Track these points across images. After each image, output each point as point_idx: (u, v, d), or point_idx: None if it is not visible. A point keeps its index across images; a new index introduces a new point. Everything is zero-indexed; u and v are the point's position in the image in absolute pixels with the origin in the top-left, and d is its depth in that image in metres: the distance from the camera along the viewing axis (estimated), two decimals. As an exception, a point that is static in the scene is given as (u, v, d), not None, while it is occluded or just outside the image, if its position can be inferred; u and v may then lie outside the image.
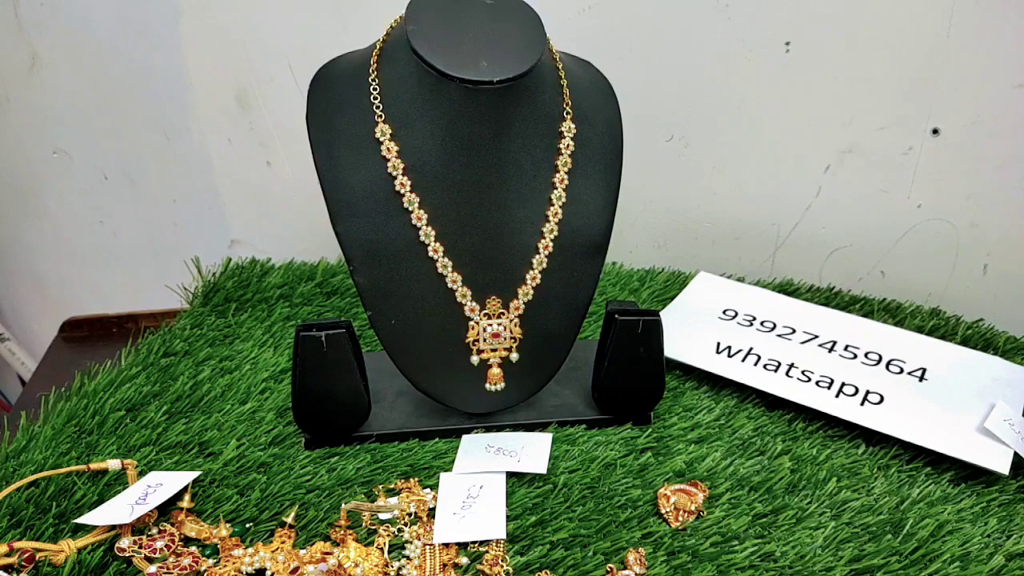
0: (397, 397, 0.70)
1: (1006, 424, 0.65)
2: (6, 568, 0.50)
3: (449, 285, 0.62)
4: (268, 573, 0.53)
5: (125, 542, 0.54)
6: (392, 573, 0.53)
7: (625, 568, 0.54)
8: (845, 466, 0.65)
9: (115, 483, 0.60)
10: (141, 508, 0.55)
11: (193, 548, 0.55)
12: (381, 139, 0.59)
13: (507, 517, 0.58)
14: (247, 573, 0.53)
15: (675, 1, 0.87)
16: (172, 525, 0.56)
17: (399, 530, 0.57)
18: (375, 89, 0.60)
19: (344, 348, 0.62)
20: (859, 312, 0.85)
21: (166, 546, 0.54)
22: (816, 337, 0.78)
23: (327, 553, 0.54)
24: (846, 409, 0.68)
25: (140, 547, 0.54)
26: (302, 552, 0.54)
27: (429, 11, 0.60)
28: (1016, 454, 0.63)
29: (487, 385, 0.64)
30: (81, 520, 0.55)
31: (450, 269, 0.61)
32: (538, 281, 0.63)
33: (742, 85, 0.90)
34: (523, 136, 0.61)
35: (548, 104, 0.62)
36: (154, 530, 0.56)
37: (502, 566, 0.54)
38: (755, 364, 0.74)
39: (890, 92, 0.87)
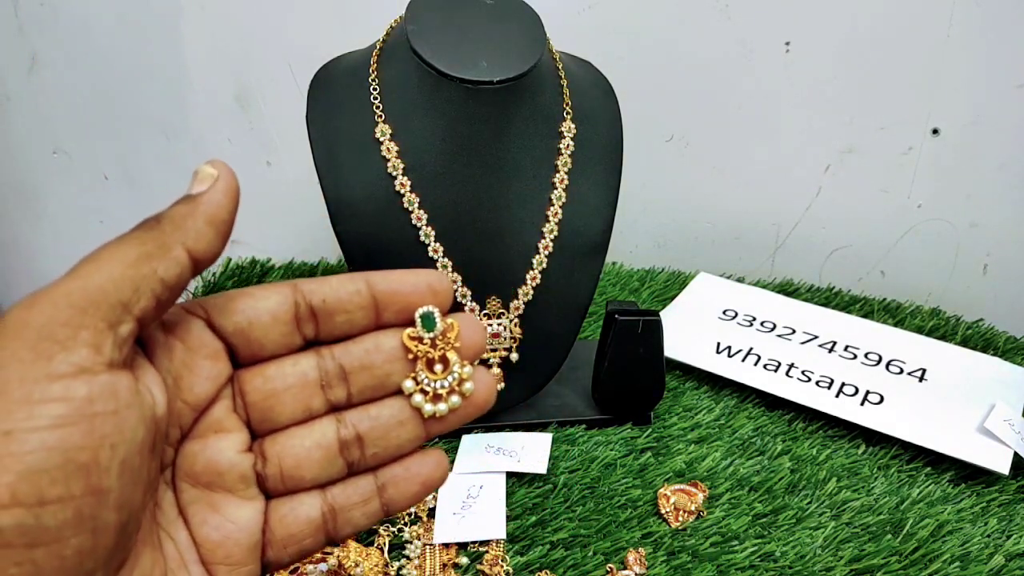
0: (397, 397, 0.69)
1: (1006, 424, 0.65)
2: None
3: (449, 285, 0.61)
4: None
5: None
6: (392, 573, 0.53)
7: (625, 568, 0.54)
8: (845, 466, 0.65)
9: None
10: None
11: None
12: (381, 139, 0.59)
13: (507, 517, 0.58)
14: (247, 573, 0.53)
15: (675, 1, 0.87)
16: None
17: (399, 530, 0.57)
18: (375, 89, 0.60)
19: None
20: (859, 312, 0.85)
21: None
22: (816, 337, 0.78)
23: (327, 553, 0.54)
24: (846, 409, 0.68)
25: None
26: (302, 552, 0.54)
27: (429, 11, 0.60)
28: (1016, 454, 0.63)
29: (487, 385, 0.64)
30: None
31: (450, 269, 0.61)
32: (538, 281, 0.63)
33: (742, 85, 0.90)
34: (523, 136, 0.61)
35: (548, 104, 0.62)
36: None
37: (502, 566, 0.54)
38: (755, 364, 0.74)
39: (890, 92, 0.87)
